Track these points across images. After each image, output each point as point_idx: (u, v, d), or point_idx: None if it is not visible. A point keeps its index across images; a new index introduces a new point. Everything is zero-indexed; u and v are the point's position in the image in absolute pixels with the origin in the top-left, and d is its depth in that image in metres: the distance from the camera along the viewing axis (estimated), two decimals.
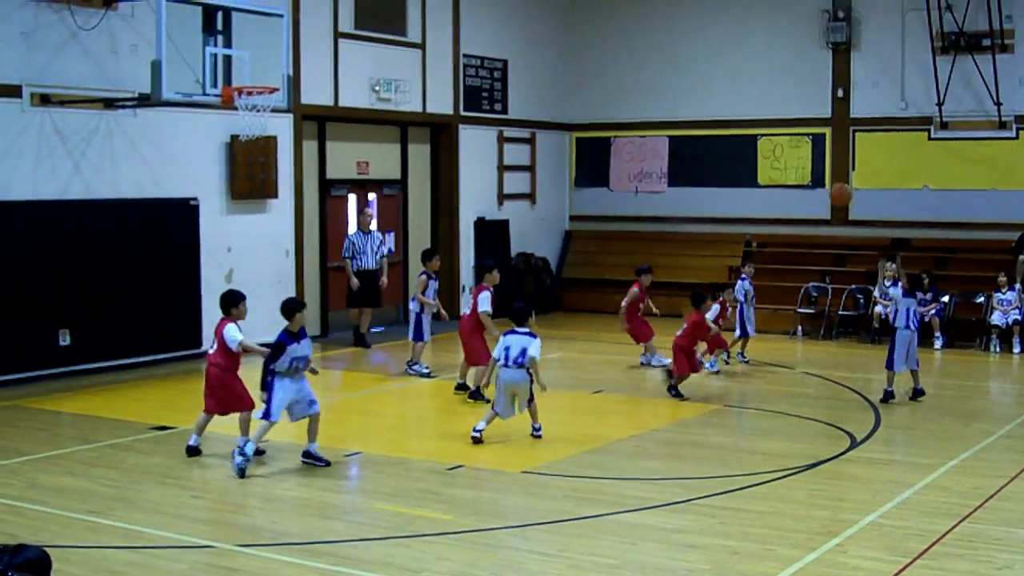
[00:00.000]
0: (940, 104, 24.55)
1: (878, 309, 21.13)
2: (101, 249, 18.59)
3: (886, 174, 25.63)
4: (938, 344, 21.72)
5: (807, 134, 26.36)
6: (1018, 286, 21.98)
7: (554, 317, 26.14)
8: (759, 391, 17.48)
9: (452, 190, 25.79)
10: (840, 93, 25.92)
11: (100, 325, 18.54)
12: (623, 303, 19.76)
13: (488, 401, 15.23)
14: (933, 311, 21.45)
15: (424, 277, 18.35)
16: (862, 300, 23.41)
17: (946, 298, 22.35)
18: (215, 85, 17.59)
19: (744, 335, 19.90)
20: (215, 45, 17.68)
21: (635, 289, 19.71)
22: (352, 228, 22.96)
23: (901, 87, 25.33)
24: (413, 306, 18.52)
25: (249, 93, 17.56)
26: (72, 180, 18.24)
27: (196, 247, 20.01)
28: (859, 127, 25.88)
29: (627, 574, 9.12)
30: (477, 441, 13.65)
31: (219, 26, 17.74)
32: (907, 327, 16.22)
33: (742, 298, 19.96)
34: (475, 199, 26.25)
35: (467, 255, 25.86)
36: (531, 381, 13.76)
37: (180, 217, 19.75)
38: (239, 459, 12.33)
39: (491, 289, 16.66)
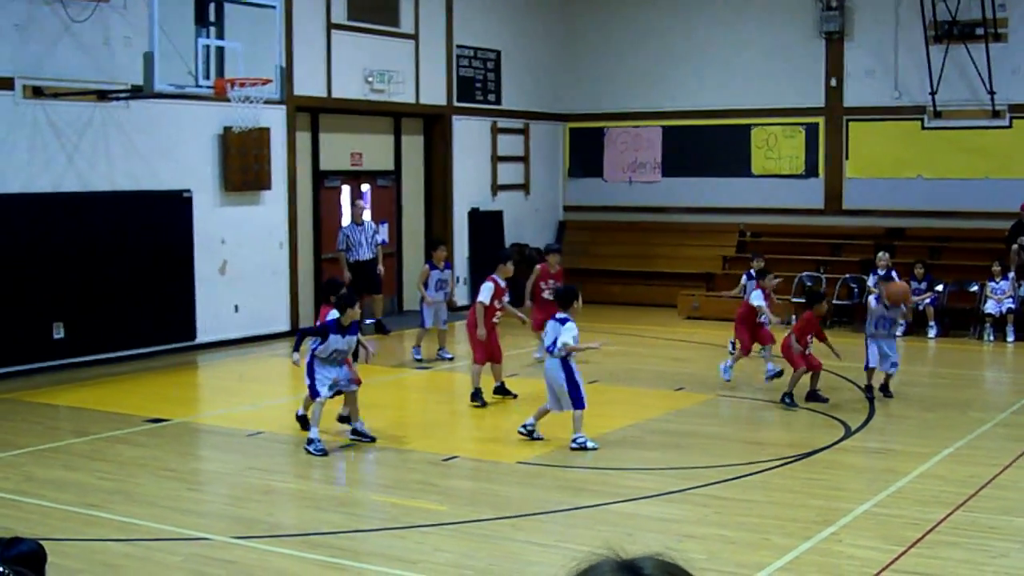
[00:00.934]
0: (934, 93, 24.55)
1: (871, 299, 21.12)
2: (95, 241, 18.56)
3: (880, 163, 25.63)
4: (932, 333, 21.73)
5: (801, 124, 26.35)
6: (1012, 275, 21.99)
7: None
8: (754, 381, 17.48)
9: (446, 181, 25.77)
10: (834, 82, 25.91)
11: (94, 318, 18.52)
12: (528, 283, 18.67)
13: (485, 404, 15.26)
14: (928, 300, 21.48)
15: (426, 267, 19.09)
16: (856, 289, 23.42)
17: (940, 287, 22.37)
18: (208, 77, 17.55)
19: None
20: (208, 37, 17.65)
21: (538, 267, 18.83)
22: (346, 220, 22.98)
23: (895, 76, 25.33)
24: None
25: (242, 84, 17.54)
26: (66, 173, 18.21)
27: (190, 239, 19.99)
28: (853, 116, 25.88)
29: None
30: (528, 436, 13.25)
31: (212, 17, 17.70)
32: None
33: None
34: (469, 190, 26.23)
35: (461, 246, 25.83)
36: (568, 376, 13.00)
37: (174, 209, 19.72)
38: (311, 447, 12.76)
39: (497, 281, 15.84)
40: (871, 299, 16.77)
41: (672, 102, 27.59)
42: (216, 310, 20.25)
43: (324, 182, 23.43)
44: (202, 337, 20.02)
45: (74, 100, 18.15)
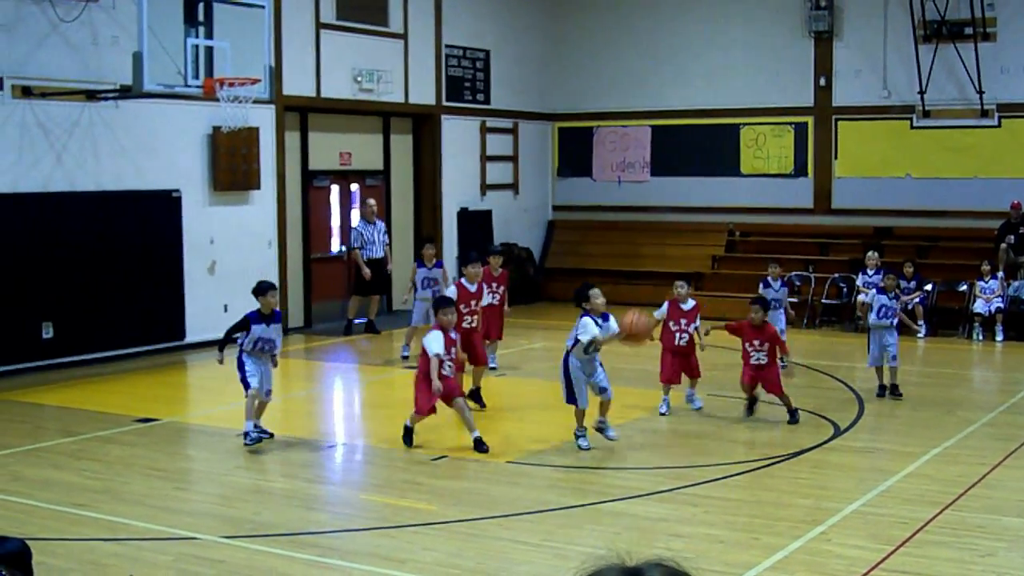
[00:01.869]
0: (922, 93, 24.59)
1: (861, 298, 21.15)
2: (84, 241, 18.53)
3: (869, 163, 25.66)
4: (921, 332, 21.75)
5: (790, 123, 26.37)
6: (1000, 274, 22.05)
7: (537, 307, 26.15)
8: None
9: (435, 180, 25.76)
10: (822, 82, 25.93)
11: (83, 318, 18.49)
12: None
13: (485, 406, 15.04)
14: (916, 299, 21.50)
15: (414, 265, 19.33)
16: (845, 289, 23.44)
17: (929, 286, 22.39)
18: (197, 76, 17.52)
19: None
20: (197, 36, 17.62)
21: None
22: (355, 220, 23.17)
23: (883, 76, 25.36)
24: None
25: (231, 84, 17.51)
26: (54, 172, 18.18)
27: (179, 239, 19.96)
28: (841, 116, 25.90)
29: None
30: (601, 432, 12.98)
31: (200, 17, 17.67)
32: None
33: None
34: (458, 189, 26.22)
35: (450, 245, 25.81)
36: (594, 367, 12.86)
37: (162, 209, 19.70)
38: (246, 440, 12.86)
39: (459, 282, 15.63)
40: (873, 291, 16.52)
41: (661, 101, 27.59)
42: (205, 310, 20.21)
43: (313, 182, 23.42)
44: (191, 337, 19.99)
45: (62, 100, 18.12)
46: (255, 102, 18.17)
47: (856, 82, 25.64)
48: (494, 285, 17.44)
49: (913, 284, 21.76)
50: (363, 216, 22.59)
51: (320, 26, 22.64)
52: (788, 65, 26.23)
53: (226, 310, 20.58)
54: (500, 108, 27.39)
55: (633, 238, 27.40)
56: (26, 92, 17.68)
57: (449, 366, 12.81)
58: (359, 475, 12.58)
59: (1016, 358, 20.37)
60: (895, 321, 16.07)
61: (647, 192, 27.97)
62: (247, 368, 12.96)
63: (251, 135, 20.68)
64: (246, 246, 21.11)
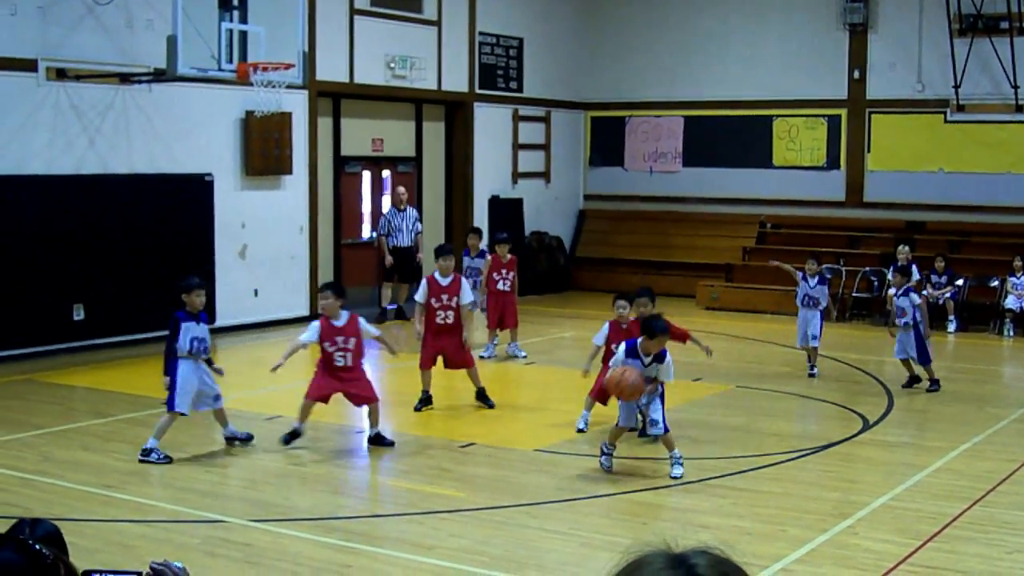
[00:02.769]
0: (957, 87, 24.45)
1: (891, 292, 21.07)
2: (115, 224, 18.62)
3: (901, 156, 25.55)
4: (951, 328, 21.65)
5: (823, 115, 26.28)
6: None
7: (567, 296, 26.17)
8: (772, 372, 17.45)
9: (466, 168, 25.77)
10: (856, 75, 25.82)
11: (114, 300, 18.57)
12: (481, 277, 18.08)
13: (493, 406, 14.69)
14: (947, 294, 21.41)
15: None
16: (876, 282, 23.35)
17: (960, 282, 22.28)
18: (230, 61, 17.59)
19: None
20: (231, 21, 17.69)
21: (489, 258, 18.22)
22: (386, 205, 23.14)
23: (918, 69, 25.24)
24: None
25: (264, 69, 17.56)
26: (87, 155, 18.26)
27: (210, 223, 20.02)
28: (875, 109, 25.79)
29: None
30: (603, 458, 11.75)
31: (235, 1, 17.74)
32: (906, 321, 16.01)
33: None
34: (489, 177, 26.22)
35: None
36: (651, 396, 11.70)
37: (194, 193, 19.76)
38: (151, 457, 11.92)
39: (435, 278, 14.54)
40: (913, 294, 16.34)
41: (694, 92, 27.52)
42: (236, 294, 20.28)
43: (345, 167, 23.46)
44: (221, 321, 20.00)
45: (96, 83, 18.19)
46: (288, 87, 18.22)
47: (890, 75, 25.52)
48: (504, 271, 17.65)
49: (944, 279, 21.68)
50: (393, 203, 22.61)
51: (354, 12, 22.66)
52: (822, 57, 26.12)
53: (256, 295, 20.70)
54: (533, 96, 27.36)
55: (664, 228, 27.36)
56: (60, 75, 17.76)
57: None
58: (387, 461, 12.61)
59: None
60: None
61: (678, 182, 27.92)
62: (179, 386, 11.98)
63: (284, 120, 20.72)
64: (277, 231, 21.17)
